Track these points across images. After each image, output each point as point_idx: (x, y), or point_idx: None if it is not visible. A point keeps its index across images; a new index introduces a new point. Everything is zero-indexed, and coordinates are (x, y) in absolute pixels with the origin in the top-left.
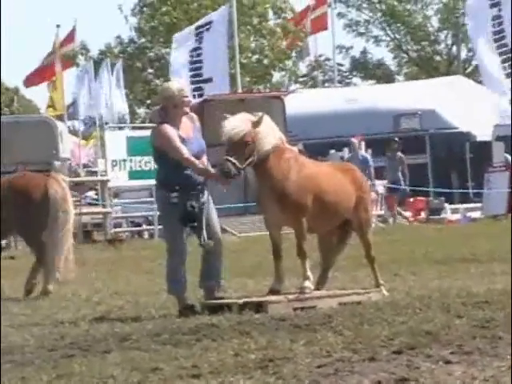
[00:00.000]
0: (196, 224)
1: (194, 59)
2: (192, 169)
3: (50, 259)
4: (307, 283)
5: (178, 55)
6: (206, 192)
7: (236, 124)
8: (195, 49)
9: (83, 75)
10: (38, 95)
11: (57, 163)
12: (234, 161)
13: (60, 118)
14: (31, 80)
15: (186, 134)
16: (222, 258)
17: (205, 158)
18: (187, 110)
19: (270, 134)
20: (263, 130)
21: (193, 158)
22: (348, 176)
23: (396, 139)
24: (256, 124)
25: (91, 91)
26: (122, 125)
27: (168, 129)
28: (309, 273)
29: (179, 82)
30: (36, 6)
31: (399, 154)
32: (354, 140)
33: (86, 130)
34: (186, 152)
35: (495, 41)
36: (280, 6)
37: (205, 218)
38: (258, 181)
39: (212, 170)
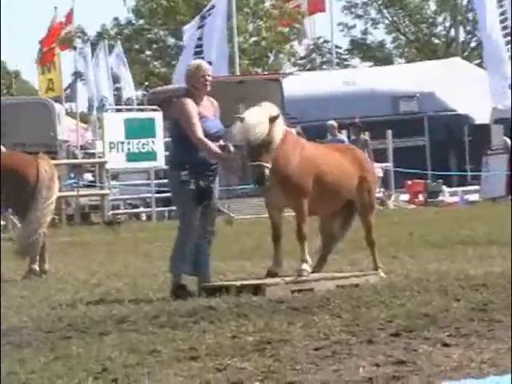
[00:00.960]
0: (208, 203)
1: (197, 43)
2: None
3: (34, 235)
4: (305, 266)
5: (188, 42)
6: (216, 174)
7: (257, 126)
8: (200, 37)
9: (81, 57)
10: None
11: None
12: (266, 164)
13: (58, 99)
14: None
15: (206, 113)
16: (211, 246)
17: (221, 141)
18: (206, 89)
19: (279, 123)
20: (276, 122)
21: (205, 140)
22: (348, 156)
23: (357, 122)
24: (273, 120)
25: (89, 73)
26: (120, 107)
27: (189, 104)
28: (307, 256)
29: (198, 60)
30: None
31: (363, 136)
32: (331, 123)
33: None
34: (199, 132)
35: (501, 22)
36: None
37: (212, 199)
38: None
39: (222, 153)
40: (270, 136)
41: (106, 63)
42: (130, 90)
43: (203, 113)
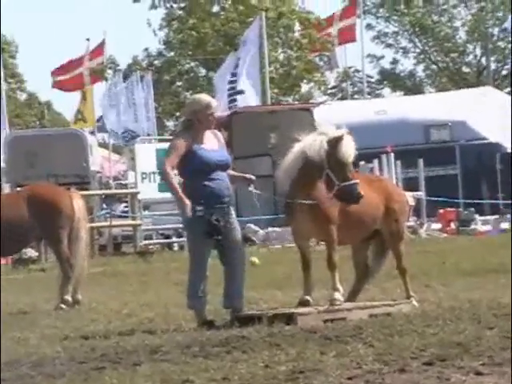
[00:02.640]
0: (220, 238)
1: (233, 71)
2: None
3: (69, 269)
4: (337, 295)
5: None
6: (231, 205)
7: (352, 143)
8: (235, 65)
9: (112, 88)
10: (68, 108)
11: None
12: (356, 181)
13: (90, 131)
14: (61, 84)
15: (209, 146)
16: (244, 276)
17: (229, 171)
18: (211, 126)
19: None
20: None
21: (171, 174)
22: (375, 186)
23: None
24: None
25: (121, 104)
26: (152, 137)
27: (179, 141)
28: (338, 284)
29: (208, 97)
30: (67, 20)
31: (366, 164)
32: None
33: (126, 142)
34: (171, 164)
35: None
36: (306, 16)
37: (229, 232)
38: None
39: (187, 202)
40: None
41: (139, 94)
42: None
43: (203, 145)
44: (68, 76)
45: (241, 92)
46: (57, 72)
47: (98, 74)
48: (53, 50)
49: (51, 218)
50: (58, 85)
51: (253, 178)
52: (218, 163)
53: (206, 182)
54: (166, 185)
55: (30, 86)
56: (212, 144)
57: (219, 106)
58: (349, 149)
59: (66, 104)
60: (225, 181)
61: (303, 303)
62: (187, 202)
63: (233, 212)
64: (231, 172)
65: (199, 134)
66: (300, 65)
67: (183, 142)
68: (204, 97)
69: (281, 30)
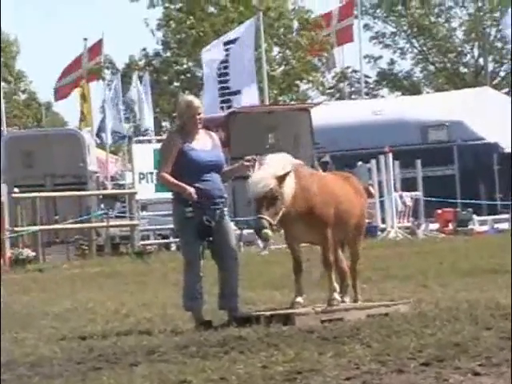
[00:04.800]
0: (212, 239)
1: (222, 72)
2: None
3: None
4: (335, 295)
5: (209, 70)
6: (224, 206)
7: (262, 180)
8: (222, 61)
9: (110, 89)
10: (65, 109)
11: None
12: (267, 218)
13: (88, 131)
14: (61, 93)
15: (200, 146)
16: (238, 276)
17: (225, 168)
18: (198, 126)
19: (291, 178)
20: (286, 180)
21: (168, 177)
22: (350, 184)
23: (388, 150)
24: (281, 180)
25: (119, 105)
26: (150, 138)
27: (170, 138)
28: (335, 284)
29: (190, 97)
30: (65, 19)
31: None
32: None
33: (113, 143)
34: (166, 169)
35: None
36: (306, 17)
37: (222, 233)
38: None
39: (190, 189)
40: (277, 192)
41: (138, 94)
42: (149, 121)
43: (195, 146)
44: (68, 81)
45: (237, 92)
46: (59, 83)
47: (94, 74)
48: (51, 49)
49: None
50: (61, 95)
51: (254, 157)
52: (209, 164)
53: (197, 183)
54: (168, 188)
55: (29, 87)
56: (204, 144)
57: (211, 106)
58: (253, 186)
59: (64, 105)
60: (216, 182)
61: (295, 304)
62: (189, 188)
63: (226, 213)
64: (226, 168)
65: (188, 134)
66: (299, 65)
67: (173, 144)
68: (186, 97)
69: (280, 30)
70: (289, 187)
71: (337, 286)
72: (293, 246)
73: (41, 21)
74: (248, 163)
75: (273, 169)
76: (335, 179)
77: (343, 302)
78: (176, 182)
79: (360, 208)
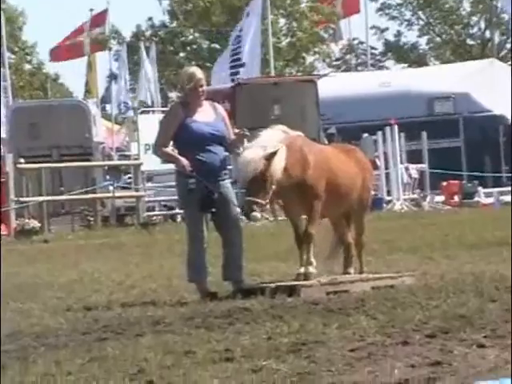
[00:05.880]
0: (215, 210)
1: (236, 46)
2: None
3: None
4: (311, 269)
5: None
6: (226, 178)
7: (250, 162)
8: (237, 36)
9: (117, 59)
10: (71, 80)
11: None
12: (256, 200)
13: (93, 102)
14: (57, 55)
15: (203, 118)
16: (242, 247)
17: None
18: (200, 97)
19: (281, 153)
20: (275, 158)
21: (166, 150)
22: (352, 157)
23: (393, 122)
24: (270, 159)
25: (125, 75)
26: (155, 108)
27: (173, 110)
28: (312, 258)
29: (192, 68)
30: None
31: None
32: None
33: (120, 114)
34: (163, 142)
35: None
36: None
37: (224, 205)
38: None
39: (184, 161)
40: (266, 173)
41: (145, 65)
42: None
43: (197, 118)
44: (67, 43)
45: (243, 65)
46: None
47: (99, 44)
48: (57, 20)
49: None
50: (55, 57)
51: (246, 133)
52: (210, 136)
53: (199, 155)
54: (164, 160)
55: (36, 58)
56: (207, 116)
57: (219, 78)
58: (243, 167)
59: (70, 76)
60: (219, 153)
61: (299, 275)
62: (183, 160)
63: (229, 185)
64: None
65: (191, 106)
66: (305, 37)
67: (174, 116)
68: (188, 69)
69: (287, 1)
70: (278, 164)
71: (313, 260)
72: (291, 218)
73: None
74: (237, 136)
75: (262, 148)
76: (335, 152)
77: (348, 273)
78: (171, 153)
79: (363, 181)
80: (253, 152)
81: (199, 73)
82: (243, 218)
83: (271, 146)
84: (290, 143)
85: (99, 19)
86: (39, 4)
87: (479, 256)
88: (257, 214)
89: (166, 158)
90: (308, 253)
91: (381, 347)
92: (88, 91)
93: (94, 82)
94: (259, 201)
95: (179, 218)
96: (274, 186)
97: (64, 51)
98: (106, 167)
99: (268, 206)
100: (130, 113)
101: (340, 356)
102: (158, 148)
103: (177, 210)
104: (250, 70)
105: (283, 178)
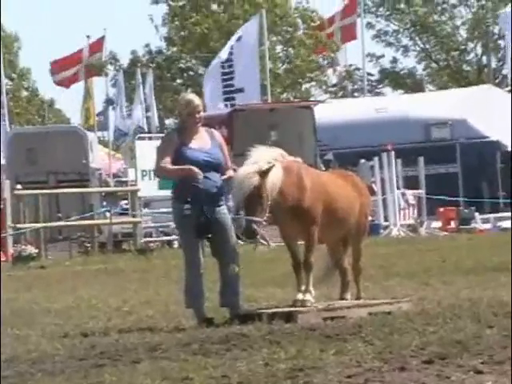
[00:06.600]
0: (211, 236)
1: (226, 70)
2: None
3: None
4: (308, 296)
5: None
6: (222, 204)
7: (244, 179)
8: (226, 60)
9: (114, 85)
10: (68, 106)
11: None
12: (253, 218)
13: (90, 128)
14: (63, 81)
15: (198, 145)
16: (239, 273)
17: (230, 171)
18: (197, 124)
19: (277, 170)
20: (270, 175)
21: (166, 166)
22: (349, 182)
23: (390, 148)
24: (263, 175)
25: (122, 102)
26: (152, 135)
27: (168, 136)
28: (311, 287)
29: (190, 95)
30: (68, 16)
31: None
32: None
33: (115, 140)
34: (163, 162)
35: None
36: (309, 15)
37: (220, 231)
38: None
39: (194, 168)
40: (261, 189)
41: (142, 92)
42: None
43: (193, 145)
44: (70, 72)
45: (240, 90)
46: (56, 68)
47: (95, 69)
48: (53, 46)
49: None
50: (61, 82)
51: (231, 175)
52: (205, 163)
53: (195, 182)
54: (168, 178)
55: (32, 85)
56: (203, 143)
57: (213, 105)
58: (237, 185)
59: (67, 102)
60: (214, 180)
61: (296, 302)
62: (193, 168)
63: (225, 211)
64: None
65: (187, 133)
66: (302, 64)
67: (169, 143)
68: (186, 96)
69: (284, 28)
70: (275, 181)
71: (312, 290)
72: (288, 243)
73: (43, 17)
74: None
75: (256, 164)
76: (332, 177)
77: (345, 299)
78: (176, 167)
79: (361, 206)
80: (246, 169)
81: (197, 100)
82: (243, 238)
83: (264, 162)
84: (287, 166)
85: (96, 46)
86: (34, 29)
87: (476, 282)
88: (254, 228)
89: (172, 174)
90: (307, 281)
91: (378, 373)
92: (88, 118)
93: (92, 110)
94: (257, 219)
95: (176, 244)
96: (270, 202)
97: (67, 80)
98: (103, 193)
99: (265, 224)
100: (125, 139)
101: (337, 382)
102: (159, 167)
103: (174, 236)
104: (250, 95)
105: (280, 200)
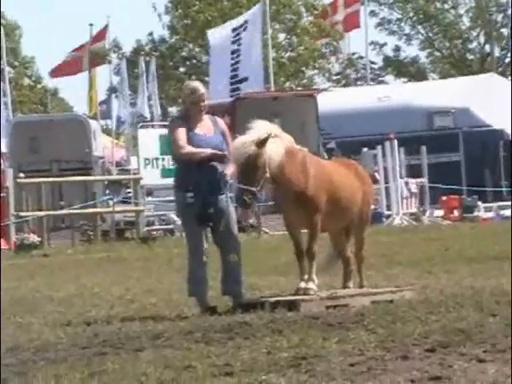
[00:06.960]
0: (213, 224)
1: (234, 61)
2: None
3: None
4: (311, 285)
5: (218, 58)
6: (225, 192)
7: (241, 147)
8: (234, 51)
9: (117, 73)
10: (71, 94)
11: None
12: (246, 187)
13: (93, 116)
14: (57, 72)
15: (203, 132)
16: (240, 261)
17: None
18: (201, 112)
19: (277, 144)
20: (268, 144)
21: (190, 149)
22: (352, 171)
23: (392, 136)
24: (260, 145)
25: (125, 90)
26: (155, 123)
27: (177, 123)
28: (314, 275)
29: (195, 83)
30: (71, 5)
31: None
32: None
33: (116, 128)
34: (184, 144)
35: None
36: (312, 3)
37: (223, 219)
38: (276, 185)
39: (207, 150)
40: (257, 160)
41: (145, 80)
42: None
43: (197, 132)
44: (68, 59)
45: (244, 79)
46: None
47: (98, 57)
48: (56, 35)
49: None
50: (56, 73)
51: (219, 153)
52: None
53: (197, 169)
54: (193, 158)
55: (35, 72)
56: (206, 130)
57: (219, 92)
58: (234, 152)
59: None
60: (217, 168)
61: (299, 290)
62: (206, 151)
63: (228, 199)
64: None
65: (191, 120)
66: (306, 52)
67: (180, 129)
68: (191, 83)
69: (288, 16)
70: (272, 153)
71: (315, 278)
72: (291, 231)
73: (46, 5)
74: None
75: (255, 135)
76: (335, 166)
77: (347, 287)
78: (194, 149)
79: (363, 195)
80: (243, 138)
81: (201, 88)
82: (237, 205)
83: (262, 132)
84: (291, 151)
85: (99, 35)
86: (37, 18)
87: (479, 270)
88: (246, 199)
89: (191, 157)
90: (310, 269)
91: (380, 361)
92: (92, 108)
93: (95, 99)
94: (250, 188)
95: (177, 233)
96: (267, 175)
97: (63, 67)
98: (106, 181)
99: (259, 195)
100: (126, 127)
101: (340, 370)
102: (178, 151)
103: (172, 226)
104: (254, 83)
105: (284, 186)
